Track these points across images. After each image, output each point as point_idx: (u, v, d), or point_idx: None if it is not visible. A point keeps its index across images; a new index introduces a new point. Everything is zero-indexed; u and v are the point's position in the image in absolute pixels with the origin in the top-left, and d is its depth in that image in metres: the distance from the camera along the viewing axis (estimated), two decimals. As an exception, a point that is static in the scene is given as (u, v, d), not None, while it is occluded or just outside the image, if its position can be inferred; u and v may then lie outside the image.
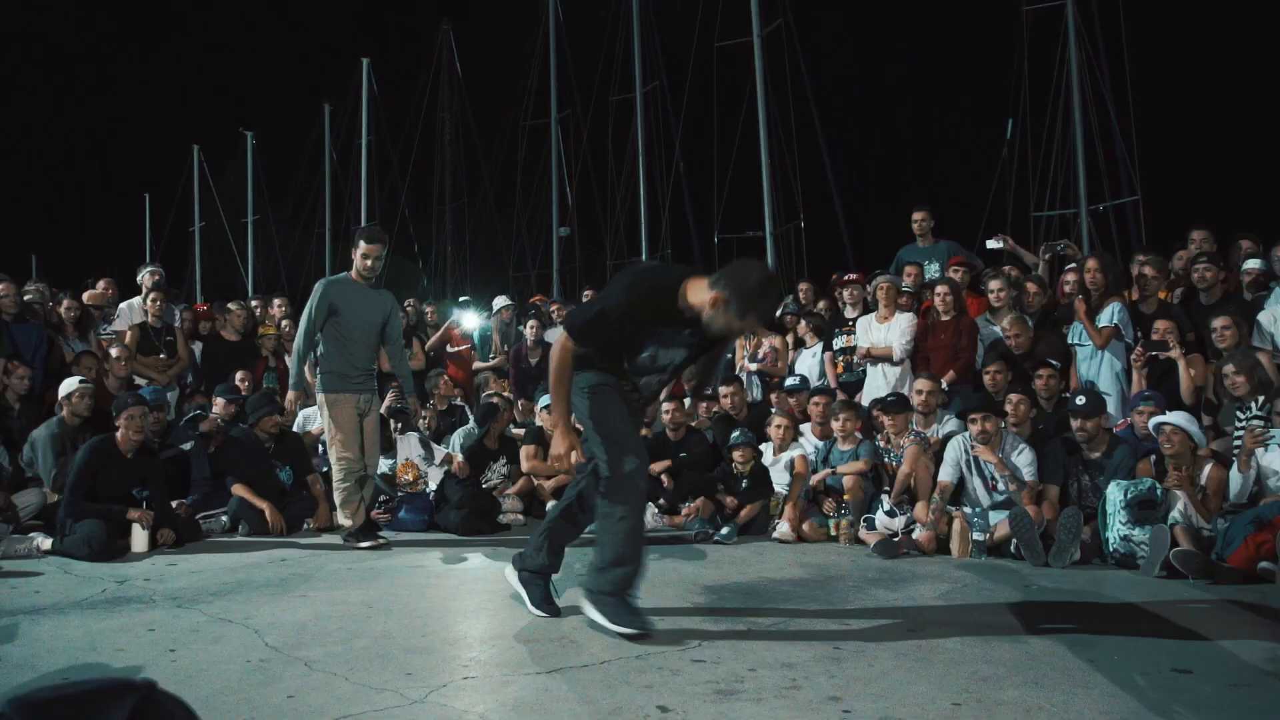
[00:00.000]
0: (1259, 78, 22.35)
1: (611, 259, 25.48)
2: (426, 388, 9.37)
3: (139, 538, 6.38)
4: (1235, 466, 5.77)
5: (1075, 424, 6.28)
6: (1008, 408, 6.63)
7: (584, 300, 3.53)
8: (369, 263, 6.70)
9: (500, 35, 36.54)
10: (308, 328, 6.65)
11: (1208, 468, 5.91)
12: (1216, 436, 6.46)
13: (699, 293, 3.87)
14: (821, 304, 9.82)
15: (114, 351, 8.65)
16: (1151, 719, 2.92)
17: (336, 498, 6.72)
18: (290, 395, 7.01)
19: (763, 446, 7.55)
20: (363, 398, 6.72)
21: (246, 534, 7.18)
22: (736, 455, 7.23)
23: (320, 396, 6.72)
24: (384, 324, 6.84)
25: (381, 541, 6.61)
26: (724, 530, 6.72)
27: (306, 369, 7.04)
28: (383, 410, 7.45)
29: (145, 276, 9.74)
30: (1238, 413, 6.26)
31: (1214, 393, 6.74)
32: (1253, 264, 7.72)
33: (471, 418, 8.86)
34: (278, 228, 32.98)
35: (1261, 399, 6.04)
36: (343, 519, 6.70)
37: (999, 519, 6.12)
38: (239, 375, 9.01)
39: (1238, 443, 5.94)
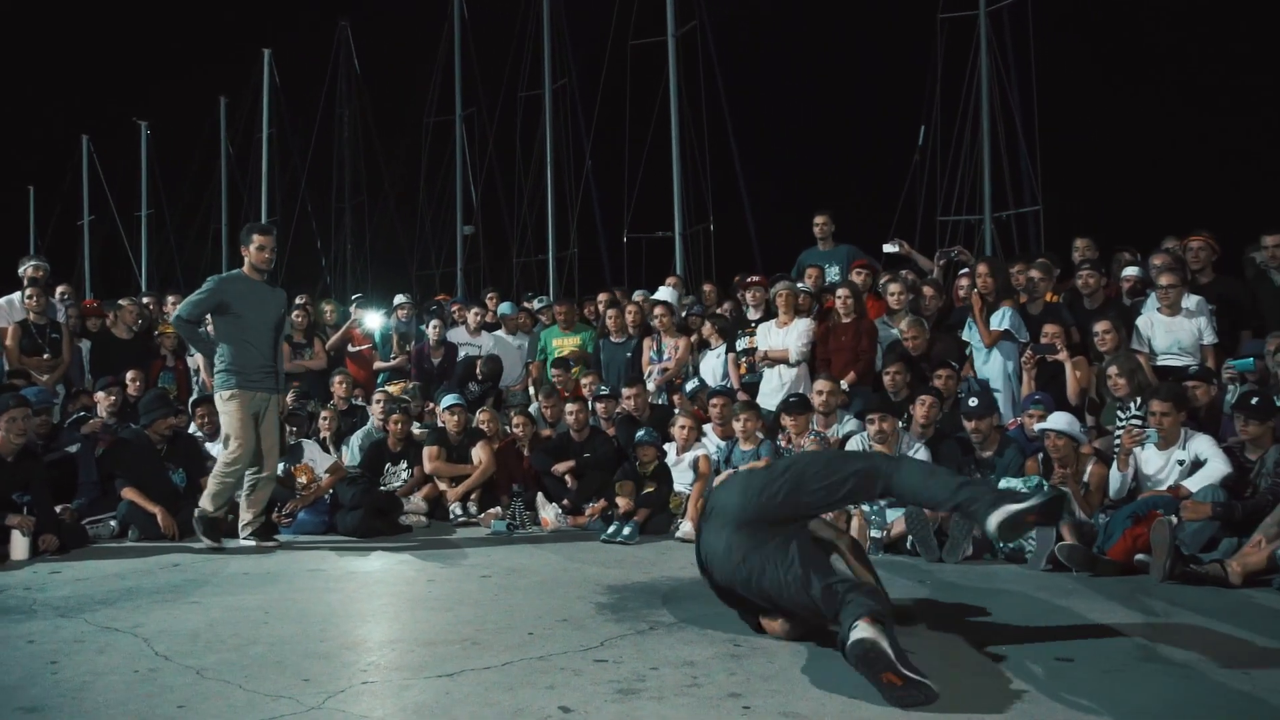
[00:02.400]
0: (1157, 93, 23.40)
1: (518, 258, 25.33)
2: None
3: (19, 545, 6.11)
4: (1115, 465, 6.04)
5: (969, 425, 6.49)
6: (919, 409, 6.82)
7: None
8: (265, 254, 6.70)
9: (404, 28, 35.88)
10: (189, 308, 6.58)
11: (1090, 465, 6.18)
12: (1099, 435, 6.75)
13: None
14: (725, 305, 9.93)
15: None
16: (1035, 704, 3.04)
17: (211, 485, 6.60)
18: (202, 361, 6.85)
19: (666, 447, 7.61)
20: (259, 396, 6.61)
21: (137, 539, 6.94)
22: (641, 454, 7.29)
23: (217, 395, 6.62)
24: (280, 319, 6.80)
25: (268, 544, 6.53)
26: (625, 530, 6.74)
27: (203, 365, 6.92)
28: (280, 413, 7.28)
29: (28, 269, 9.32)
30: (1118, 412, 6.55)
31: (1096, 393, 7.05)
32: (1130, 271, 8.11)
33: (372, 418, 8.71)
34: (173, 222, 31.93)
35: (1139, 400, 6.33)
36: (205, 504, 6.57)
37: (895, 516, 6.28)
38: (130, 375, 8.72)
39: (1118, 442, 6.22)
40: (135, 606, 4.67)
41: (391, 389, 9.33)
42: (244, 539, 6.60)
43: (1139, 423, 6.22)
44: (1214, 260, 7.65)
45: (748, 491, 3.90)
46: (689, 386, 8.59)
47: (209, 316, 6.76)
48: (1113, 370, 6.62)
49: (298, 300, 10.49)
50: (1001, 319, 7.56)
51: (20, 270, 9.39)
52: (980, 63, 21.97)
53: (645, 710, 3.04)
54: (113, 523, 7.07)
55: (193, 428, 8.21)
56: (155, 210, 32.94)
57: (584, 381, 8.98)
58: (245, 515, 6.67)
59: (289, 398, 8.56)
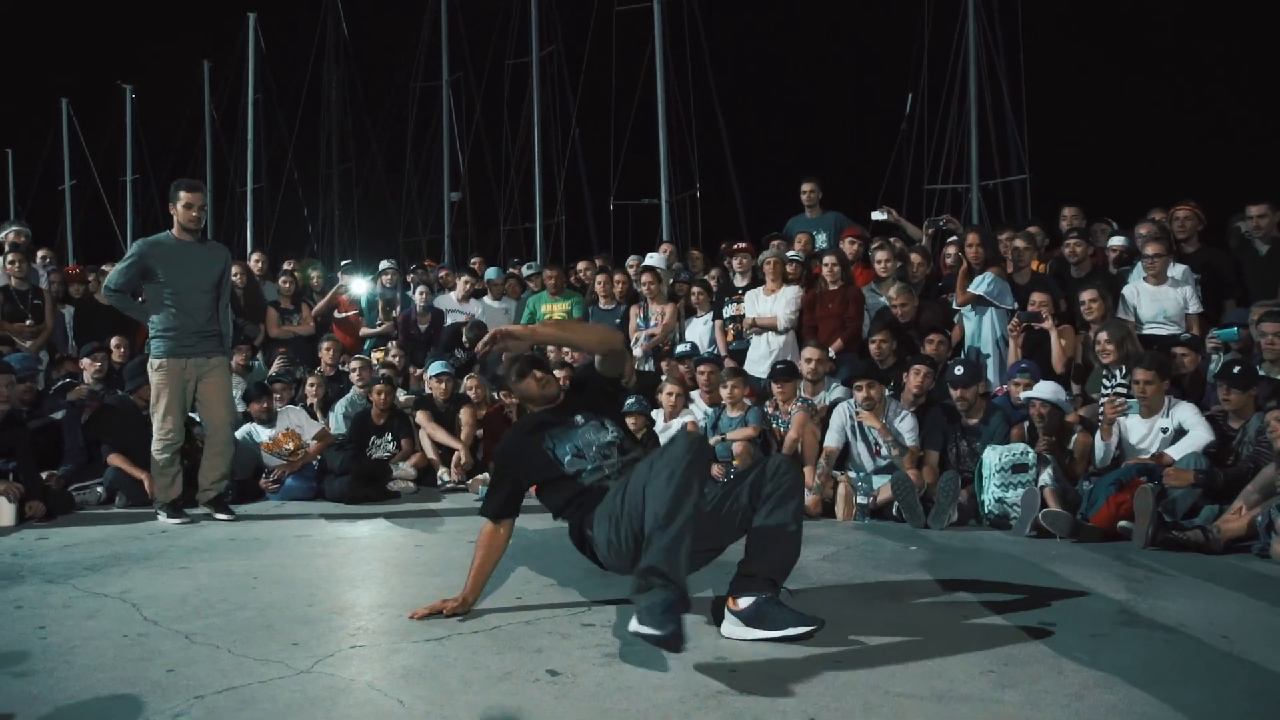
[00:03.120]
0: (1145, 62, 23.34)
1: (505, 224, 25.21)
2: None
3: (5, 511, 6.11)
4: (1099, 434, 6.08)
5: (955, 393, 6.52)
6: (913, 378, 6.84)
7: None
8: (193, 213, 6.40)
9: (393, -7, 35.41)
10: (114, 277, 6.40)
11: (1075, 434, 6.22)
12: (1084, 403, 6.79)
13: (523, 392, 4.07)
14: (712, 272, 9.92)
15: None
16: (1018, 669, 3.08)
17: (151, 468, 6.45)
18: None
19: (654, 414, 7.63)
20: (193, 362, 6.36)
21: (124, 505, 6.94)
22: (629, 422, 7.29)
23: (151, 362, 6.42)
24: (217, 281, 6.49)
25: (221, 516, 6.37)
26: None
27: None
28: (266, 380, 7.27)
29: (9, 235, 9.22)
30: (1103, 381, 6.59)
31: (1083, 359, 7.09)
32: (1116, 241, 8.13)
33: (355, 385, 8.70)
34: (157, 188, 31.57)
35: (1124, 370, 6.37)
36: (155, 490, 6.45)
37: (882, 483, 6.33)
38: (114, 340, 8.66)
39: (1102, 411, 6.26)
40: (123, 572, 4.67)
41: (376, 355, 9.32)
42: (201, 506, 6.49)
43: (1123, 391, 6.26)
44: (1200, 230, 7.68)
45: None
46: (679, 350, 8.60)
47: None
48: (1102, 337, 6.65)
49: (285, 266, 10.43)
50: (980, 284, 7.55)
51: (0, 235, 9.30)
52: (967, 30, 21.90)
53: (631, 674, 3.07)
54: (99, 489, 7.06)
55: None
56: (140, 175, 32.59)
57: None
58: (202, 483, 6.51)
59: (276, 364, 8.54)
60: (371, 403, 8.21)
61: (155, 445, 6.37)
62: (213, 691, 2.91)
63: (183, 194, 6.41)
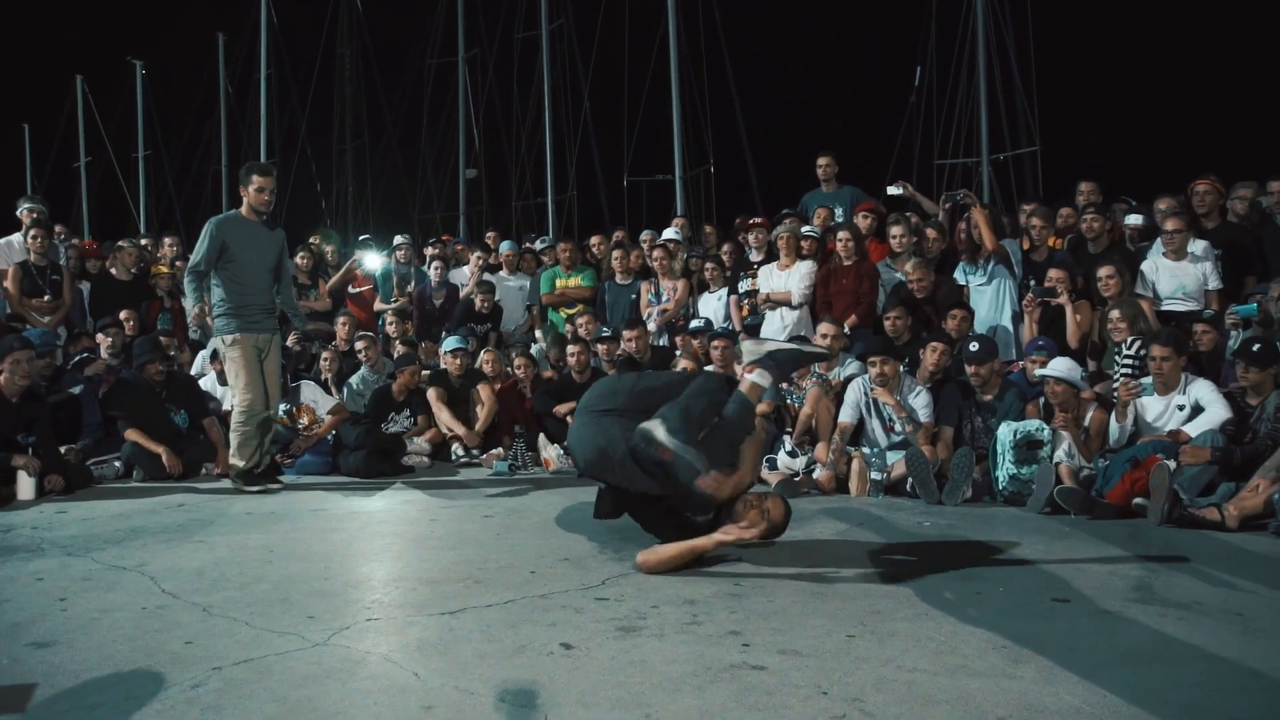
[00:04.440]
0: (1157, 35, 23.00)
1: (518, 200, 25.15)
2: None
3: (25, 485, 6.17)
4: (1114, 416, 6.03)
5: (969, 369, 6.49)
6: (930, 355, 6.80)
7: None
8: (265, 196, 6.62)
9: (408, -34, 35.18)
10: (201, 257, 6.51)
11: (1090, 411, 6.19)
12: (1100, 380, 6.75)
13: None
14: (726, 247, 9.90)
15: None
16: (1031, 645, 3.08)
17: (233, 439, 6.61)
18: (195, 311, 6.98)
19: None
20: (261, 337, 6.60)
21: (142, 479, 7.00)
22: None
23: (220, 339, 6.61)
24: (278, 261, 6.76)
25: (273, 486, 6.55)
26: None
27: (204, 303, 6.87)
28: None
29: (25, 212, 9.25)
30: (1117, 356, 6.55)
31: (1099, 336, 7.04)
32: (1134, 219, 8.05)
33: (364, 363, 8.71)
34: (171, 164, 31.60)
35: (1137, 343, 6.33)
36: (234, 460, 6.59)
37: (896, 459, 6.32)
38: (123, 315, 8.71)
39: (1116, 389, 6.22)
40: (142, 545, 4.71)
41: (390, 330, 9.34)
42: (232, 481, 6.62)
43: (1133, 370, 6.22)
44: (1220, 205, 7.60)
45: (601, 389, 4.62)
46: (693, 325, 8.59)
47: None
48: (1115, 314, 6.62)
49: (311, 240, 10.49)
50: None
51: (18, 211, 9.33)
52: (976, 2, 21.65)
53: (646, 647, 3.08)
54: (117, 463, 7.11)
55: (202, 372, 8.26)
56: (153, 151, 32.61)
57: (580, 321, 8.93)
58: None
59: (291, 338, 8.57)
60: (387, 380, 8.23)
61: (237, 417, 6.56)
62: (230, 663, 2.94)
63: (255, 177, 6.61)
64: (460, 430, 7.97)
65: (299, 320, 7.26)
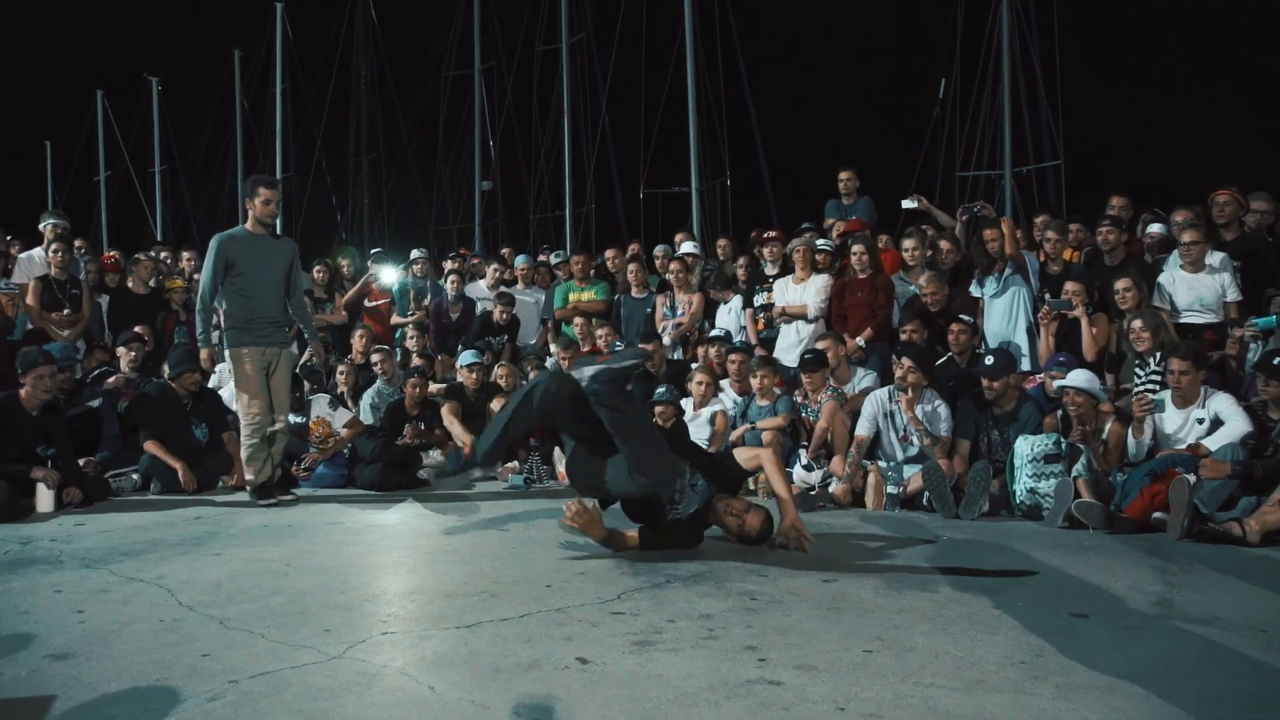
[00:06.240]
0: (1181, 50, 22.94)
1: (535, 214, 25.23)
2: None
3: (44, 497, 6.21)
4: (1131, 431, 5.97)
5: (984, 383, 6.45)
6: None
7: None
8: (271, 208, 6.64)
9: (424, -19, 35.36)
10: (207, 285, 6.54)
11: (1109, 424, 6.14)
12: (1118, 393, 6.70)
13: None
14: (741, 261, 9.89)
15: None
16: (1050, 660, 3.06)
17: (243, 454, 6.66)
18: (203, 354, 6.88)
19: (683, 403, 7.62)
20: (269, 350, 6.62)
21: (159, 492, 7.03)
22: (659, 411, 7.30)
23: (227, 352, 6.63)
24: (287, 273, 6.76)
25: (286, 499, 6.58)
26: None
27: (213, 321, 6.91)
28: (296, 370, 7.36)
29: (48, 227, 9.34)
30: (1135, 371, 6.50)
31: (1117, 349, 6.99)
32: (1155, 229, 8.01)
33: (380, 377, 8.74)
34: (186, 178, 31.85)
35: (1158, 357, 6.27)
36: (247, 475, 6.64)
37: (912, 472, 6.29)
38: (137, 329, 8.77)
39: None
40: (159, 558, 4.73)
41: (409, 344, 9.37)
42: (250, 496, 6.66)
43: (1154, 385, 6.16)
44: (1241, 216, 7.55)
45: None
46: (712, 334, 8.57)
47: None
48: (1136, 325, 6.55)
49: (329, 260, 10.55)
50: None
51: (41, 226, 9.43)
52: (1001, 14, 21.64)
53: (661, 662, 3.07)
54: (135, 476, 7.16)
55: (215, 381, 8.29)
56: (168, 166, 32.89)
57: (599, 333, 8.94)
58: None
59: (307, 353, 8.61)
60: (402, 394, 8.26)
61: (245, 431, 6.59)
62: (246, 676, 2.95)
63: (262, 190, 6.62)
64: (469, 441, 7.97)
65: (310, 332, 7.26)
